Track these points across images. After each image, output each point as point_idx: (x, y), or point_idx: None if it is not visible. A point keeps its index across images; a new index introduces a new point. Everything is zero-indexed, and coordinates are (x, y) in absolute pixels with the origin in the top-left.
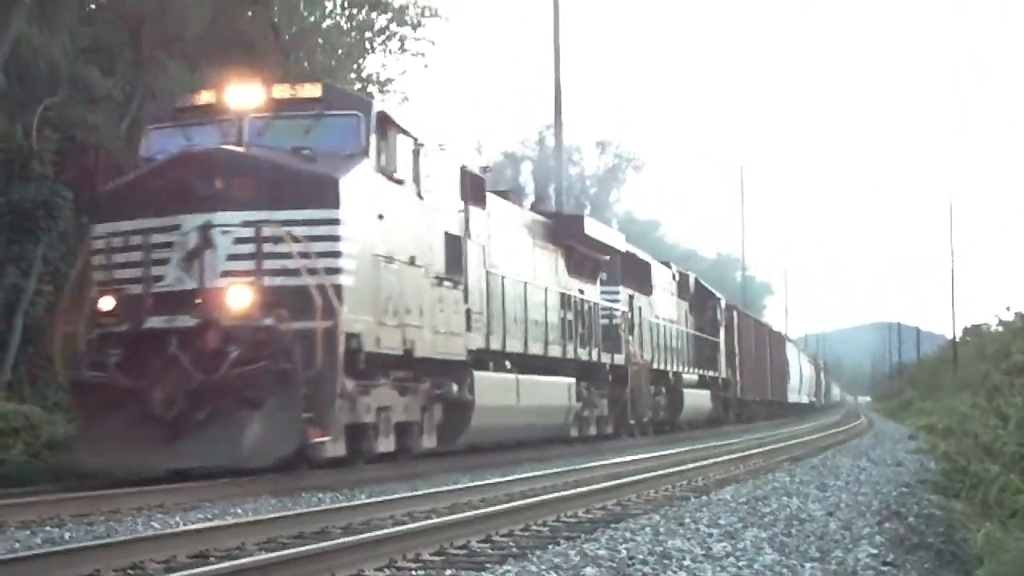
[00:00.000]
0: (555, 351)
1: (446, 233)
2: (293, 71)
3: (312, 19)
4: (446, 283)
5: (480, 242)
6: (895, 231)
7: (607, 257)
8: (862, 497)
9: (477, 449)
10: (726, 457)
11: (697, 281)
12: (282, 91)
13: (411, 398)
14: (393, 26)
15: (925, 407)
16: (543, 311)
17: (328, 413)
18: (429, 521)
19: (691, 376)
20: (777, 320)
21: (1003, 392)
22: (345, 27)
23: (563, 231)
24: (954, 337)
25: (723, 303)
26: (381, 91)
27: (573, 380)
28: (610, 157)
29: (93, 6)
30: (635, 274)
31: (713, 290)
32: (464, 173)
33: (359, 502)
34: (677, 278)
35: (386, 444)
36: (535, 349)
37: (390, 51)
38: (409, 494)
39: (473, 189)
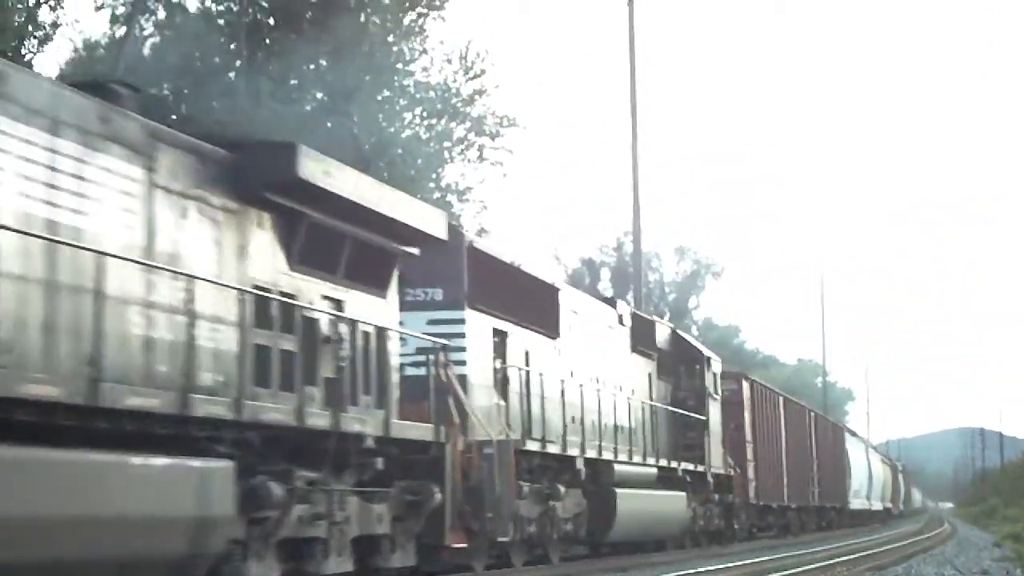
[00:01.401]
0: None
1: None
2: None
3: (391, 130)
4: None
5: None
6: (979, 335)
7: (413, 250)
8: None
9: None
10: None
11: (674, 334)
12: None
13: None
14: (472, 136)
15: (1009, 514)
16: None
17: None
18: None
19: (641, 470)
20: (859, 426)
21: None
22: (424, 137)
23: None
24: None
25: (717, 366)
26: (460, 200)
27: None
28: (689, 263)
29: (175, 117)
30: (516, 296)
31: (702, 347)
32: None
33: None
34: (629, 323)
35: None
36: None
37: (468, 160)
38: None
39: None
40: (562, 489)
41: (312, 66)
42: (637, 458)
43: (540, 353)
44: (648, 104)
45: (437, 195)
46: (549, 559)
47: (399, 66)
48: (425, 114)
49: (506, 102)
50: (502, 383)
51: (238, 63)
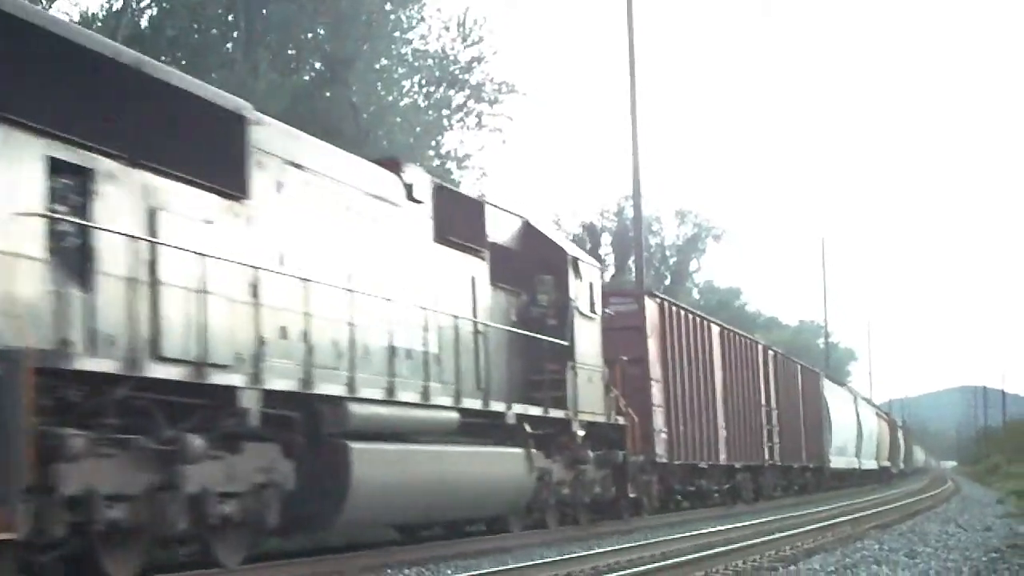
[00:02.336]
0: None
1: None
2: (372, 150)
3: (390, 98)
4: None
5: None
6: (980, 292)
7: None
8: (952, 563)
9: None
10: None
11: (527, 227)
12: None
13: None
14: (471, 103)
15: (1012, 471)
16: None
17: None
18: None
19: (417, 415)
20: (862, 385)
21: None
22: (423, 105)
23: None
24: None
25: (592, 274)
26: (459, 167)
27: None
28: (690, 226)
29: None
30: (128, 110)
31: (568, 245)
32: None
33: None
34: (429, 200)
35: None
36: None
37: (468, 127)
38: (494, 569)
39: None
40: (194, 442)
41: (310, 36)
42: (444, 399)
43: (193, 217)
44: (648, 67)
45: (437, 162)
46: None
47: (397, 34)
48: (423, 82)
49: (505, 68)
50: (63, 253)
51: (236, 34)
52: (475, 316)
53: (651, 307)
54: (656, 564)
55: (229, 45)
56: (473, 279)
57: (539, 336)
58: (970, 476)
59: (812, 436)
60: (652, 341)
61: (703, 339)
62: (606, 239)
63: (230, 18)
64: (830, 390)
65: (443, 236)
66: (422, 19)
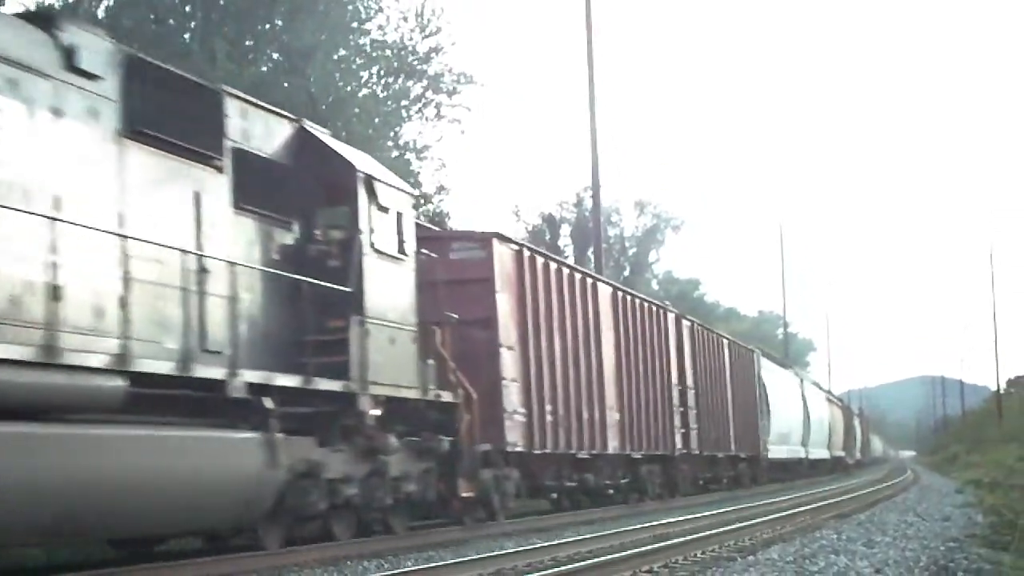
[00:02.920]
0: None
1: None
2: None
3: (348, 88)
4: None
5: None
6: (938, 283)
7: None
8: (910, 553)
9: (527, 512)
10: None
11: (301, 132)
12: None
13: None
14: (429, 94)
15: (971, 460)
16: None
17: None
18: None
19: (51, 380)
20: (821, 376)
21: None
22: (381, 95)
23: None
24: (998, 389)
25: (398, 201)
26: (418, 158)
27: None
28: (649, 217)
29: None
30: None
31: (358, 158)
32: None
33: (406, 569)
34: (109, 78)
35: None
36: None
37: (426, 118)
38: (454, 560)
39: None
40: None
41: (267, 26)
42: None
43: None
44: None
45: (395, 154)
46: None
47: (355, 25)
48: (382, 72)
49: (464, 59)
50: None
51: (193, 24)
52: (200, 248)
53: (503, 254)
54: (616, 555)
55: (187, 35)
56: (197, 196)
57: (310, 281)
58: (929, 466)
59: (744, 422)
60: (504, 297)
61: (585, 300)
62: (565, 230)
63: (187, 8)
64: (769, 371)
65: (138, 130)
66: (380, 9)
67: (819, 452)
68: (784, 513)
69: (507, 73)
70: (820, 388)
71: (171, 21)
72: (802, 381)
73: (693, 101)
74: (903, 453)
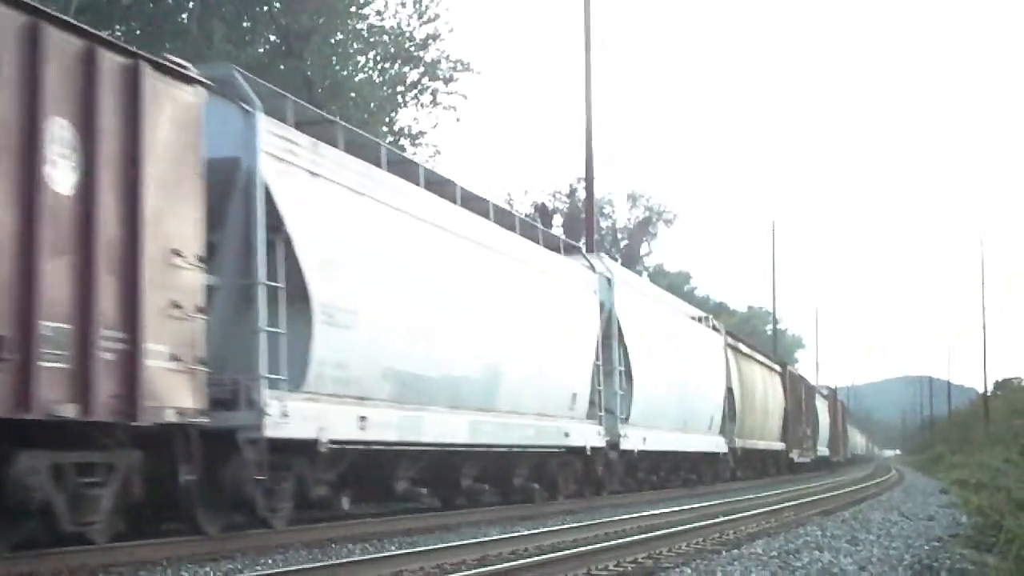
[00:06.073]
0: None
1: None
2: None
3: (344, 73)
4: None
5: None
6: (927, 283)
7: None
8: (894, 551)
9: (506, 502)
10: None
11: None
12: None
13: None
14: (425, 80)
15: (956, 461)
16: None
17: None
18: (459, 574)
19: None
20: (809, 372)
21: None
22: (377, 81)
23: None
24: (985, 391)
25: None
26: (413, 144)
27: None
28: (641, 210)
29: None
30: None
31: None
32: None
33: (389, 553)
34: None
35: None
36: None
37: (422, 105)
38: (439, 546)
39: None
40: None
41: (265, 8)
42: None
43: None
44: (603, 49)
45: (390, 139)
46: None
47: (352, 9)
48: (378, 58)
49: (460, 47)
50: None
51: (191, 4)
52: None
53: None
54: (603, 544)
55: (184, 16)
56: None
57: None
58: (914, 465)
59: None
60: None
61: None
62: (558, 220)
63: None
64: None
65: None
66: None
67: (708, 442)
68: (771, 508)
69: (505, 61)
70: (756, 353)
71: (169, 1)
72: (718, 333)
73: (689, 96)
74: (886, 452)
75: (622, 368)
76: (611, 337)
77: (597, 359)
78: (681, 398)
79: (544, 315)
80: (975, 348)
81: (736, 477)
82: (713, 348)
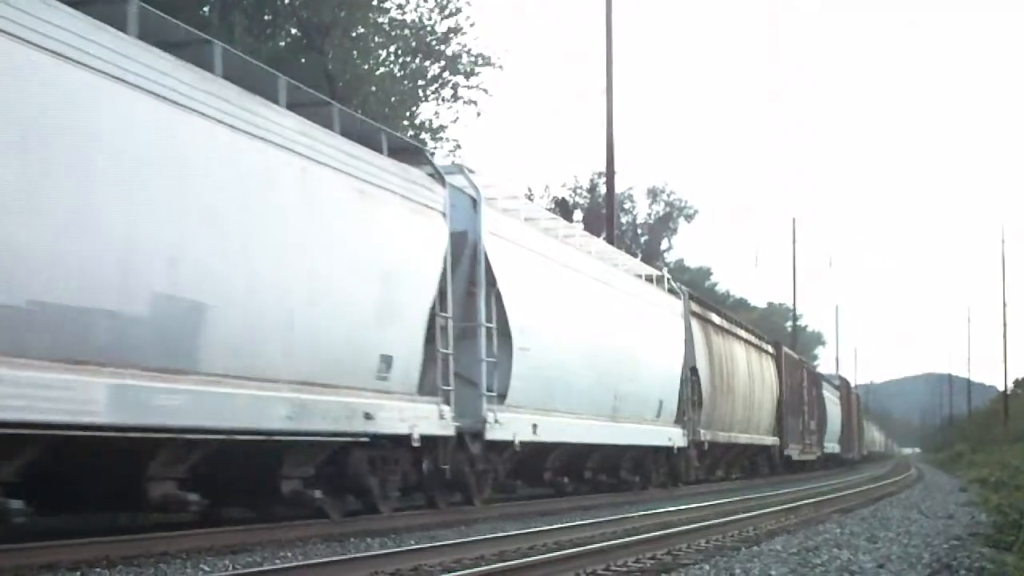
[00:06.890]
0: None
1: None
2: None
3: (365, 67)
4: None
5: None
6: (948, 281)
7: None
8: (913, 549)
9: (524, 496)
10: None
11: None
12: None
13: None
14: (446, 74)
15: (976, 459)
16: None
17: None
18: (478, 568)
19: None
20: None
21: None
22: (398, 75)
23: None
24: (1005, 390)
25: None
26: (434, 138)
27: None
28: (662, 205)
29: None
30: None
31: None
32: None
33: (408, 548)
34: None
35: None
36: None
37: (443, 99)
38: (457, 540)
39: None
40: None
41: (287, 1)
42: None
43: None
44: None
45: (411, 133)
46: None
47: (374, 3)
48: (399, 52)
49: (482, 41)
50: None
51: None
52: None
53: None
54: (621, 540)
55: (205, 8)
56: None
57: None
58: (933, 463)
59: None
60: None
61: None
62: (578, 215)
63: None
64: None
65: None
66: None
67: (655, 434)
68: (790, 505)
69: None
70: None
71: None
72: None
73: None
74: (906, 450)
75: (492, 325)
76: (475, 282)
77: (439, 309)
78: (604, 374)
79: None
80: (996, 346)
81: (699, 479)
82: (667, 314)
